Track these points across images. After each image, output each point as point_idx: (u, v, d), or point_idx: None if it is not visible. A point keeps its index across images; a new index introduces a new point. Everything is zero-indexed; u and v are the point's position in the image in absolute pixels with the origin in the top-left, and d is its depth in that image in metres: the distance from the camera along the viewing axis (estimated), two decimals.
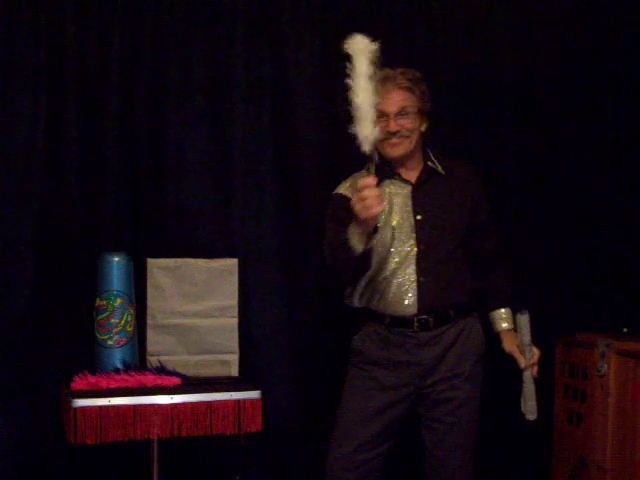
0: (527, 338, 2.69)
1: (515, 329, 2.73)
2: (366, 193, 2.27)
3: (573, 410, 3.21)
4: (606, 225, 3.48)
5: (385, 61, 3.19)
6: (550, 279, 3.42)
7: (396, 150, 2.62)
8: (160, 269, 2.83)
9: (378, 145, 2.56)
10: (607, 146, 3.49)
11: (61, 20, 2.95)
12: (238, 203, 3.14)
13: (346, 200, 2.50)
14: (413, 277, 2.60)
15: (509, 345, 2.74)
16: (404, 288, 2.60)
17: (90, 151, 3.00)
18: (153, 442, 2.60)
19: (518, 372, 2.73)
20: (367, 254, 2.45)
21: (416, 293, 2.59)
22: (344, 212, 2.48)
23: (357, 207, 2.29)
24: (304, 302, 3.20)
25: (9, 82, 2.92)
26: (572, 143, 3.45)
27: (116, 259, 2.77)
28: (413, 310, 2.60)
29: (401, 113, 2.60)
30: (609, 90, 3.48)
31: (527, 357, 2.70)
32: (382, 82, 2.51)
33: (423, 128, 2.68)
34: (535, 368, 2.72)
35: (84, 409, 2.44)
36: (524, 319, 2.67)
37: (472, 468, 2.70)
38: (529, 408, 2.71)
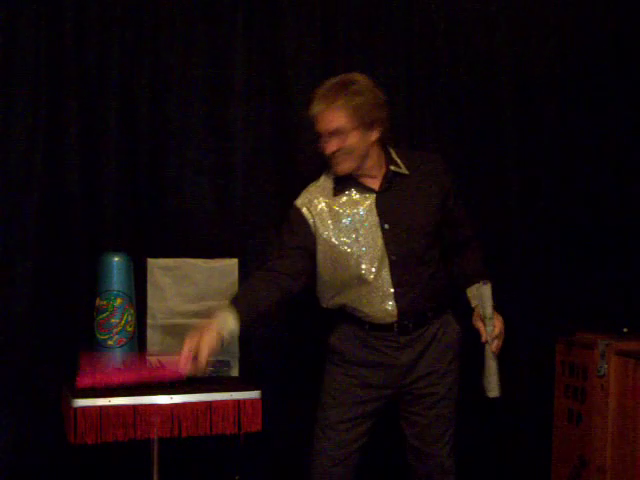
0: (489, 310, 2.58)
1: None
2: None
3: (573, 410, 3.21)
4: (606, 225, 3.48)
5: (385, 61, 3.25)
6: (550, 279, 3.42)
7: (340, 168, 2.54)
8: (160, 269, 2.83)
9: (332, 166, 2.59)
10: (608, 146, 3.49)
11: (61, 20, 2.95)
12: (238, 203, 3.14)
13: (299, 216, 2.58)
14: (389, 288, 2.57)
15: (474, 319, 2.65)
16: (382, 298, 2.57)
17: (90, 151, 3.00)
18: (153, 442, 2.59)
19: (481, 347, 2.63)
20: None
21: (394, 303, 2.58)
22: (293, 229, 2.58)
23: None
24: (304, 302, 3.19)
25: (9, 81, 2.92)
26: (573, 142, 3.45)
27: (116, 259, 2.77)
28: (393, 318, 2.59)
29: (336, 133, 2.49)
30: (609, 89, 3.48)
31: (488, 330, 2.60)
32: (315, 100, 2.48)
33: (374, 137, 2.54)
34: (495, 342, 2.60)
35: (84, 409, 2.44)
36: (486, 290, 2.57)
37: (453, 459, 2.70)
38: (490, 385, 2.61)
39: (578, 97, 3.46)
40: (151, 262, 2.84)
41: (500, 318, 2.62)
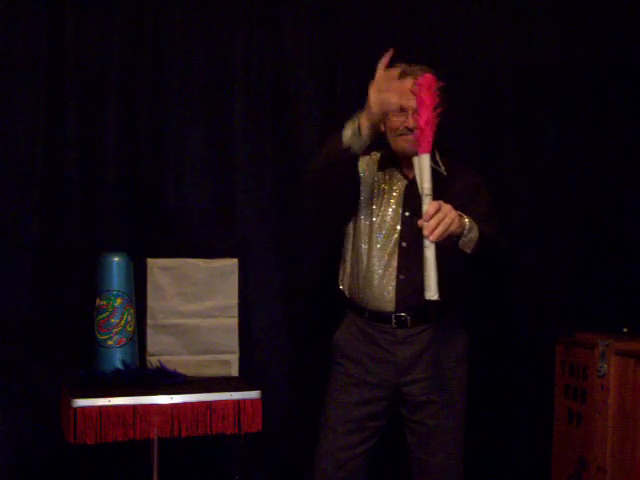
0: (426, 185, 2.28)
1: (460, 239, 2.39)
2: (383, 85, 2.28)
3: (573, 410, 3.21)
4: (606, 224, 3.48)
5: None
6: (550, 279, 3.42)
7: (411, 146, 2.53)
8: (160, 269, 2.83)
9: (390, 138, 2.62)
10: (608, 145, 3.49)
11: (61, 19, 2.95)
12: (238, 203, 3.14)
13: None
14: (394, 273, 2.59)
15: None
16: (384, 283, 2.60)
17: (90, 151, 3.00)
18: (153, 442, 2.59)
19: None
20: (354, 163, 2.46)
21: (395, 290, 2.59)
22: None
23: (373, 96, 2.30)
24: (304, 302, 3.20)
25: (9, 81, 2.92)
26: (573, 142, 3.45)
27: (116, 259, 2.77)
28: (391, 307, 2.60)
29: None
30: (610, 89, 3.48)
31: (424, 209, 2.28)
32: (402, 77, 2.48)
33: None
34: (430, 224, 2.23)
35: (84, 409, 2.44)
36: (423, 160, 2.31)
37: (461, 469, 2.68)
38: (425, 281, 2.26)
39: (579, 97, 3.46)
40: (151, 262, 2.84)
41: (442, 203, 2.29)
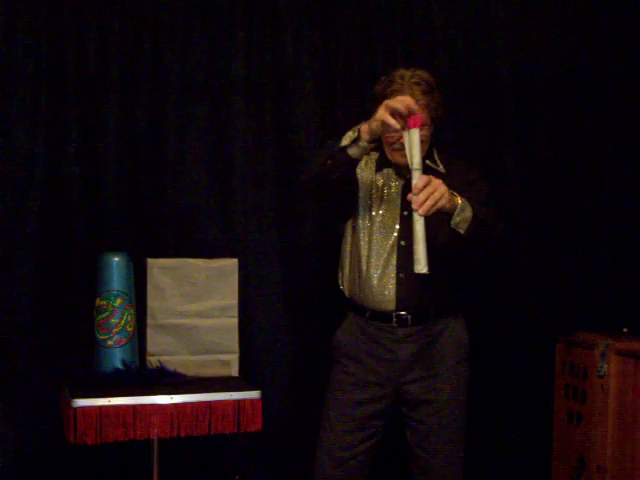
0: (416, 159, 2.28)
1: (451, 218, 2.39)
2: (400, 105, 2.27)
3: (573, 410, 3.21)
4: (606, 224, 3.48)
5: (385, 61, 3.25)
6: (550, 279, 3.42)
7: (404, 160, 2.48)
8: (160, 269, 2.83)
9: (385, 148, 2.62)
10: (607, 145, 3.49)
11: (61, 20, 2.95)
12: (238, 202, 3.15)
13: None
14: (393, 272, 2.59)
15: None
16: (384, 283, 2.60)
17: (90, 151, 3.00)
18: (153, 442, 2.60)
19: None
20: (350, 167, 2.45)
21: (395, 289, 2.59)
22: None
23: (380, 112, 2.28)
24: (304, 302, 3.20)
25: (9, 82, 2.92)
26: (572, 142, 3.45)
27: (116, 259, 2.77)
28: (391, 306, 2.60)
29: None
30: (610, 89, 3.48)
31: (413, 183, 2.26)
32: (398, 90, 2.48)
33: (431, 132, 2.61)
34: (420, 197, 2.22)
35: (84, 409, 2.44)
36: (414, 134, 2.29)
37: (460, 468, 2.68)
38: (415, 255, 2.25)
39: (579, 97, 3.46)
40: (151, 262, 2.84)
41: (432, 177, 2.29)
